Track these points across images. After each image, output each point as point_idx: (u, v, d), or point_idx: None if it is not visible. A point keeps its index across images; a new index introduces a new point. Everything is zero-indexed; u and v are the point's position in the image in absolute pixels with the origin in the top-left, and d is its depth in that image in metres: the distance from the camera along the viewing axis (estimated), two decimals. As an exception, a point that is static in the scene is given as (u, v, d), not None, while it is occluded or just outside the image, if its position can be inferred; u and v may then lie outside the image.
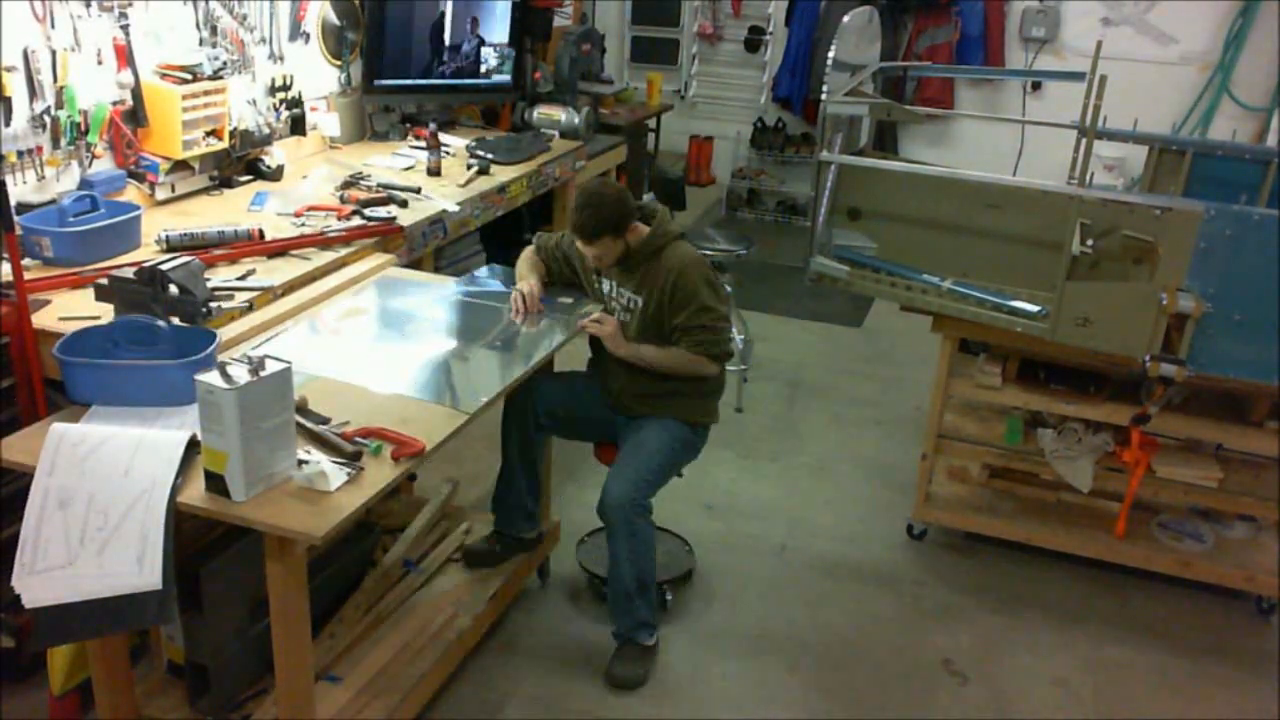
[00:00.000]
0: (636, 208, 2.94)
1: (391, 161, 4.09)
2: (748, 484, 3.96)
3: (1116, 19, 6.16)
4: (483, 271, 3.32)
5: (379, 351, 2.67)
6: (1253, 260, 2.75)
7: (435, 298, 3.02)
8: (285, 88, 3.93)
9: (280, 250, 3.03)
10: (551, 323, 2.92)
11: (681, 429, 2.99)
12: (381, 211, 3.43)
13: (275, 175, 3.73)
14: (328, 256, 3.10)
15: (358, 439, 2.15)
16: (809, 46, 6.67)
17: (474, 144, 4.33)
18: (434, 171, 4.00)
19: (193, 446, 2.03)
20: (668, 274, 2.89)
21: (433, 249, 3.76)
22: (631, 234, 2.92)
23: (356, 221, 3.32)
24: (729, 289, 4.42)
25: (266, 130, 3.80)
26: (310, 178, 3.82)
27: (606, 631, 2.98)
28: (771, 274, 6.03)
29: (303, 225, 3.28)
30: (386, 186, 3.69)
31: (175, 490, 1.96)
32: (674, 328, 2.90)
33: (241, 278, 2.85)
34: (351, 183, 3.72)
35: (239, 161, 3.67)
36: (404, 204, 3.56)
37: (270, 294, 2.83)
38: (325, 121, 4.17)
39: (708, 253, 4.45)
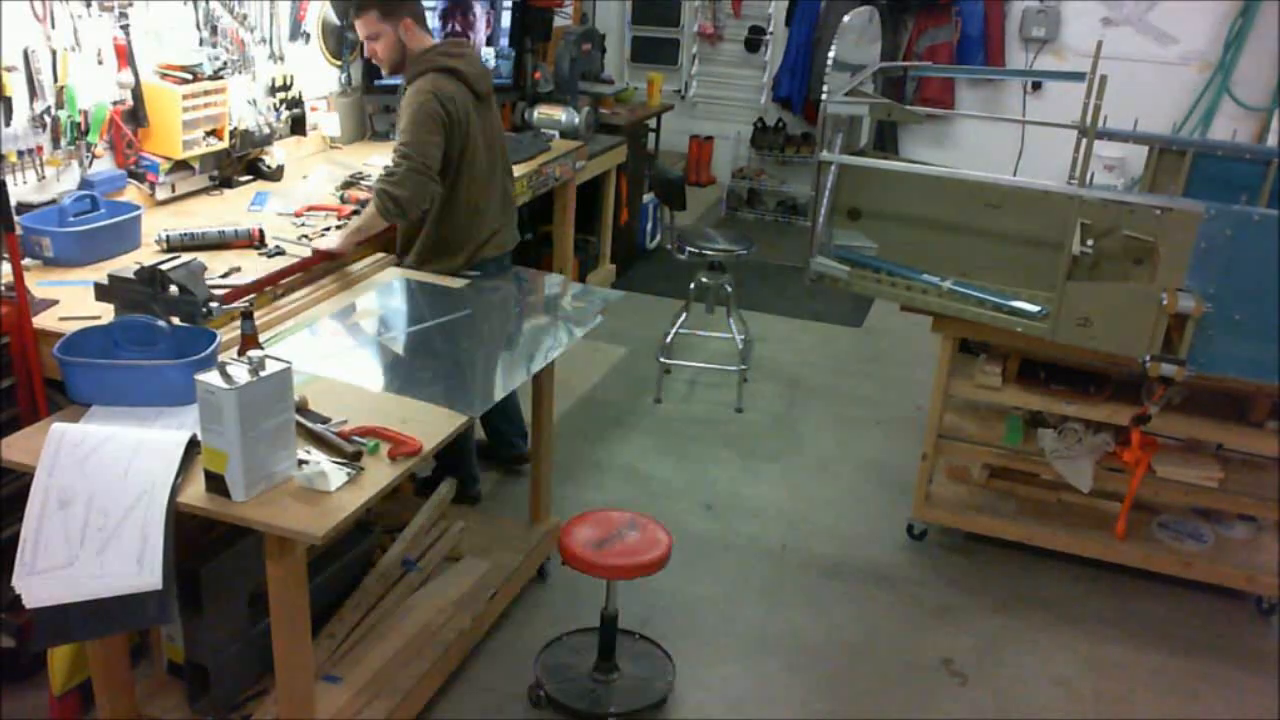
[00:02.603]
0: (420, 9, 3.11)
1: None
2: (748, 484, 3.96)
3: (1116, 19, 6.16)
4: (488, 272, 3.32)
5: (379, 352, 2.67)
6: (1253, 260, 2.75)
7: (436, 298, 3.02)
8: (285, 88, 3.93)
9: (292, 273, 2.98)
10: (554, 323, 2.92)
11: None
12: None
13: (275, 175, 3.74)
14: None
15: (355, 438, 2.15)
16: (809, 46, 6.67)
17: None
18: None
19: (193, 446, 2.03)
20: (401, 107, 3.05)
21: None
22: (411, 37, 3.09)
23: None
24: (728, 310, 4.46)
25: (267, 130, 3.80)
26: (310, 177, 3.82)
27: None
28: (771, 274, 6.03)
29: (303, 225, 3.29)
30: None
31: (175, 490, 1.96)
32: None
33: (225, 275, 2.85)
34: (352, 182, 3.72)
35: (239, 161, 3.67)
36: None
37: (270, 294, 2.83)
38: (325, 121, 4.17)
39: (708, 253, 4.45)
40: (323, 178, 3.82)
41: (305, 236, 3.19)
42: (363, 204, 3.44)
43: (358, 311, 2.86)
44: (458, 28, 4.59)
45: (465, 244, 3.24)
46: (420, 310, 2.94)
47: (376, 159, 4.09)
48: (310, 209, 3.38)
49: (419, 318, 2.90)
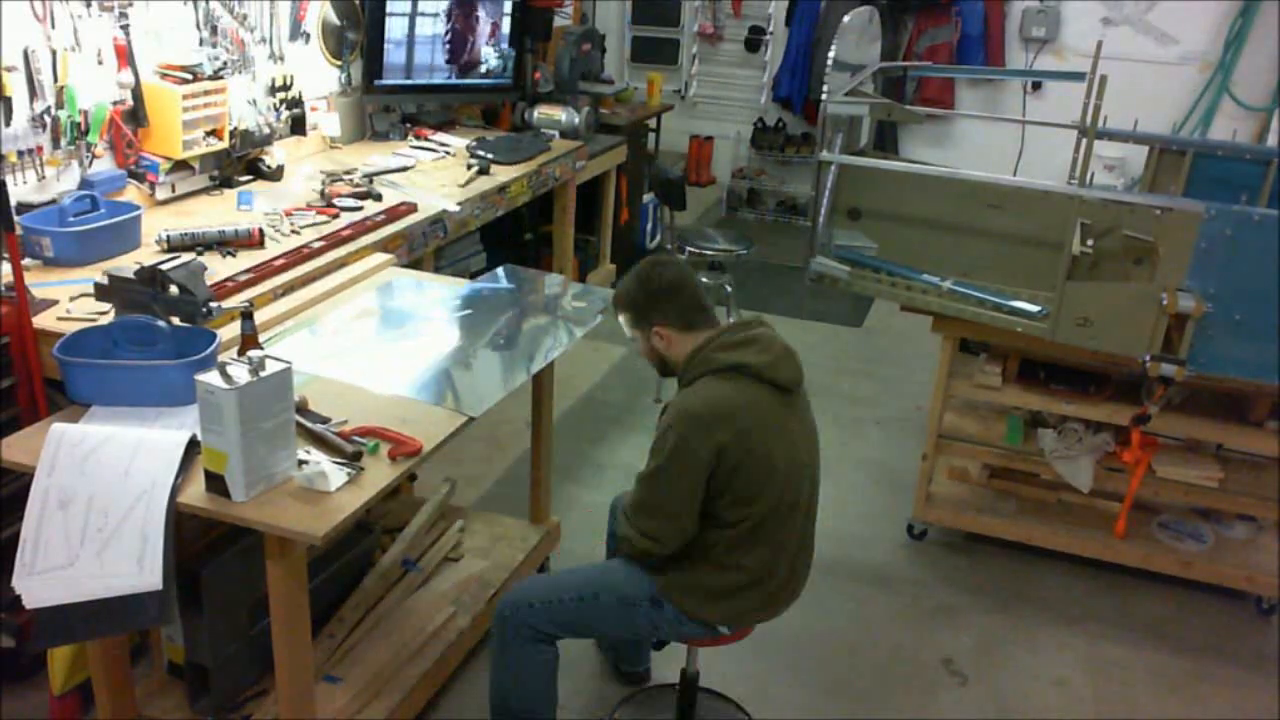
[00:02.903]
0: (687, 309, 2.33)
1: (390, 161, 4.09)
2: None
3: (1116, 19, 6.16)
4: (497, 272, 3.32)
5: (380, 352, 2.67)
6: (1253, 260, 2.75)
7: (436, 298, 3.02)
8: (285, 88, 3.93)
9: (285, 268, 2.99)
10: (554, 322, 2.91)
11: (631, 581, 2.35)
12: (352, 203, 3.48)
13: (275, 175, 3.74)
14: (328, 257, 3.10)
15: (355, 438, 2.15)
16: (809, 46, 6.67)
17: (474, 144, 4.34)
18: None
19: (193, 446, 2.03)
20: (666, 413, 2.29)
21: (433, 249, 3.76)
22: (670, 345, 2.36)
23: (344, 221, 3.35)
24: (728, 310, 4.43)
25: (266, 130, 3.80)
26: (296, 175, 3.82)
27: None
28: (771, 274, 6.03)
29: (290, 223, 3.30)
30: (370, 177, 3.73)
31: (175, 490, 1.95)
32: None
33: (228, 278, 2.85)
34: (336, 178, 3.72)
35: (239, 161, 3.67)
36: (378, 197, 3.57)
37: (270, 294, 2.83)
38: (325, 121, 4.17)
39: (708, 253, 4.45)
40: (306, 176, 3.82)
41: (295, 232, 3.22)
42: (341, 198, 3.47)
43: (358, 311, 2.86)
44: (458, 27, 4.60)
45: (744, 592, 2.37)
46: (420, 310, 2.94)
47: (376, 159, 4.10)
48: (295, 210, 3.40)
49: (419, 318, 2.90)
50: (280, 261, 2.98)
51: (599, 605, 2.37)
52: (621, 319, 2.43)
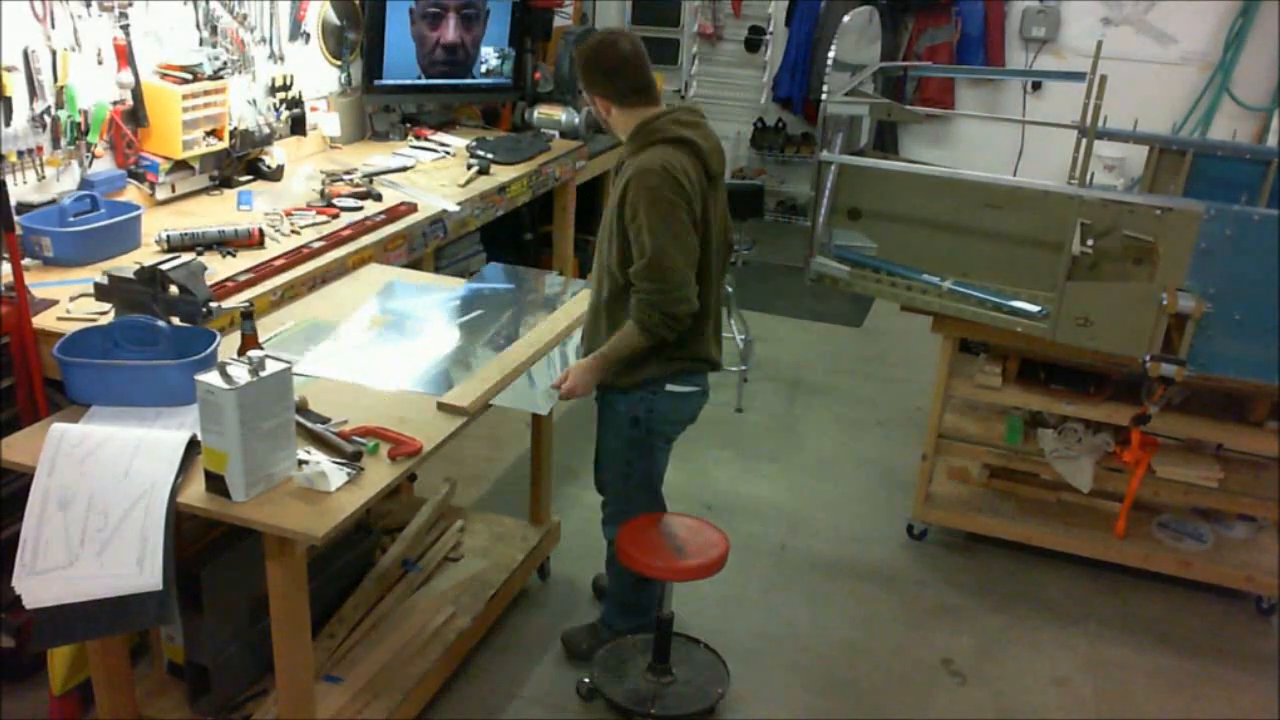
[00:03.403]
0: (619, 84, 2.50)
1: (390, 161, 4.09)
2: (748, 484, 3.96)
3: (1116, 19, 6.16)
4: (487, 270, 3.32)
5: (379, 351, 2.67)
6: (1253, 260, 2.75)
7: (435, 298, 3.02)
8: (285, 88, 3.93)
9: (286, 268, 3.01)
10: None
11: (619, 405, 2.62)
12: (352, 203, 3.47)
13: (275, 175, 3.74)
14: (328, 257, 3.10)
15: (355, 438, 2.15)
16: (809, 46, 6.67)
17: (474, 144, 4.34)
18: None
19: (193, 446, 2.03)
20: (625, 185, 2.45)
21: (433, 249, 3.77)
22: (609, 115, 2.55)
23: (344, 221, 3.36)
24: (728, 311, 4.44)
25: (266, 130, 3.80)
26: (296, 175, 3.82)
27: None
28: (771, 274, 6.03)
29: (290, 223, 3.30)
30: (370, 177, 3.73)
31: (175, 490, 1.96)
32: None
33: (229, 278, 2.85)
34: (336, 178, 3.72)
35: (239, 161, 3.67)
36: (378, 197, 3.58)
37: (270, 295, 2.83)
38: (325, 121, 4.17)
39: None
40: (307, 175, 3.82)
41: (295, 232, 3.21)
42: (341, 198, 3.48)
43: (358, 312, 2.86)
44: (458, 27, 4.60)
45: (684, 347, 2.59)
46: (419, 311, 2.94)
47: (376, 159, 4.10)
48: (294, 210, 3.40)
49: (419, 318, 2.90)
50: (280, 261, 2.98)
51: (628, 463, 2.72)
52: (580, 82, 2.63)
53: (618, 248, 2.49)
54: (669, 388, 2.61)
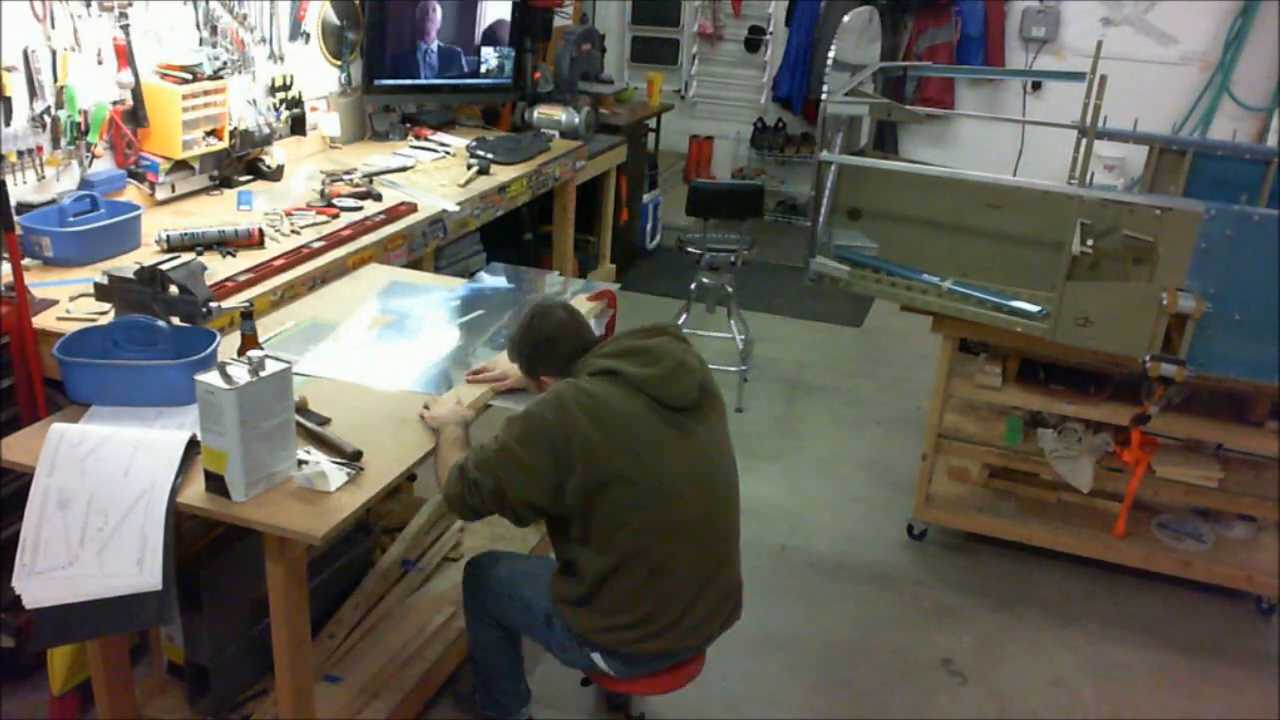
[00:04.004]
0: (567, 356, 2.23)
1: (390, 161, 4.09)
2: (747, 484, 3.91)
3: (1116, 19, 6.16)
4: (487, 270, 3.32)
5: (379, 352, 2.67)
6: (1253, 260, 2.75)
7: (435, 298, 3.02)
8: (285, 88, 3.93)
9: (286, 268, 3.01)
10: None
11: (537, 590, 2.31)
12: (351, 203, 3.47)
13: (275, 175, 3.74)
14: (328, 257, 3.10)
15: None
16: (809, 46, 6.67)
17: (474, 144, 4.34)
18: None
19: (193, 446, 2.03)
20: None
21: (433, 249, 3.76)
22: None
23: (344, 221, 3.36)
24: (729, 311, 4.45)
25: (266, 130, 3.80)
26: (296, 175, 3.82)
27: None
28: (771, 274, 6.03)
29: (290, 223, 3.30)
30: (370, 177, 3.73)
31: (175, 490, 1.96)
32: None
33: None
34: (336, 178, 3.72)
35: (239, 161, 3.67)
36: (378, 197, 3.58)
37: (270, 295, 2.83)
38: (325, 121, 4.17)
39: (708, 253, 4.45)
40: (307, 175, 3.82)
41: (295, 232, 3.21)
42: (341, 198, 3.49)
43: (358, 312, 2.86)
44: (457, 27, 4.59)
45: (635, 626, 2.17)
46: (419, 311, 2.94)
47: (376, 158, 4.10)
48: (296, 209, 3.40)
49: (419, 318, 2.90)
50: (280, 261, 2.98)
51: (513, 603, 2.36)
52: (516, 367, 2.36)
53: None
54: (593, 655, 2.24)
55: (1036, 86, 6.45)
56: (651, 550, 2.11)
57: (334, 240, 3.19)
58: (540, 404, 2.09)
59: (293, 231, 3.23)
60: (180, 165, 3.41)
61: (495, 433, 2.14)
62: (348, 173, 3.82)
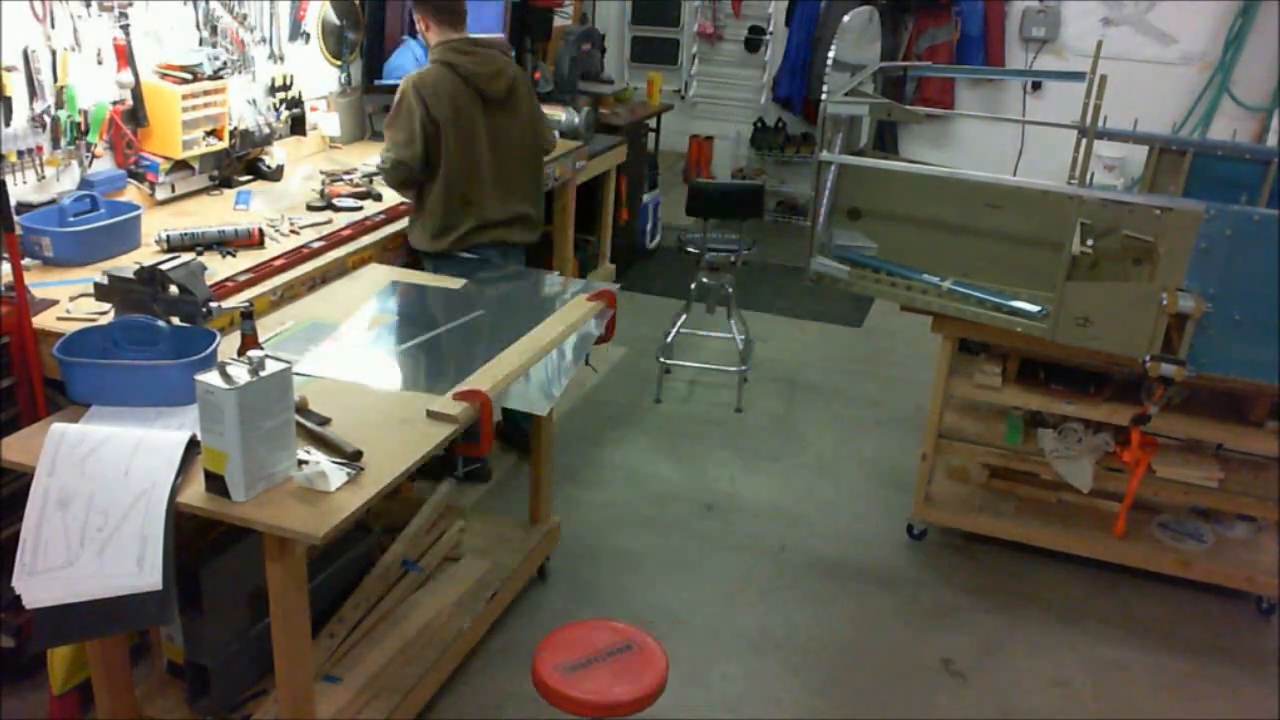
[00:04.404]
0: (439, 9, 3.32)
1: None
2: (748, 484, 3.96)
3: (1116, 19, 6.16)
4: (486, 271, 3.32)
5: (379, 352, 2.67)
6: (1253, 260, 2.75)
7: (435, 298, 3.02)
8: (285, 87, 3.93)
9: (286, 268, 3.01)
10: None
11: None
12: (351, 203, 3.48)
13: (275, 175, 3.74)
14: (328, 257, 3.10)
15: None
16: (809, 47, 6.67)
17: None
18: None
19: (193, 446, 2.03)
20: None
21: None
22: (426, 30, 3.38)
23: (343, 220, 3.37)
24: (729, 311, 4.46)
25: (266, 130, 3.80)
26: (295, 175, 3.82)
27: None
28: (771, 274, 6.03)
29: (291, 222, 3.30)
30: (370, 177, 3.74)
31: (175, 490, 1.96)
32: None
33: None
34: (336, 178, 3.72)
35: (239, 161, 3.67)
36: (378, 197, 3.58)
37: (270, 296, 2.83)
38: (325, 121, 4.17)
39: (709, 254, 4.46)
40: (305, 176, 3.82)
41: (294, 232, 3.21)
42: (345, 196, 3.54)
43: (358, 312, 2.86)
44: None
45: (452, 229, 3.37)
46: (419, 311, 2.94)
47: (375, 158, 4.09)
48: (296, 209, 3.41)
49: (418, 318, 2.90)
50: (280, 261, 2.98)
51: None
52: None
53: None
54: (460, 254, 3.40)
55: (1036, 86, 6.45)
56: (462, 185, 3.34)
57: (334, 240, 3.19)
58: (401, 94, 3.30)
59: (292, 231, 3.22)
60: (180, 165, 3.41)
61: None
62: (348, 173, 3.82)
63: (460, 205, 3.35)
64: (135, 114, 3.23)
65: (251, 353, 1.99)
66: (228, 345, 2.33)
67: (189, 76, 3.32)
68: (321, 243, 3.16)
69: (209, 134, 3.40)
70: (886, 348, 5.23)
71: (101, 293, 2.41)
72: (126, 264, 2.64)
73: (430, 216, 3.34)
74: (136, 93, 3.21)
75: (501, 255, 3.48)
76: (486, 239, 3.42)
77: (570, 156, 4.64)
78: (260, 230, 3.09)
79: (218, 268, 2.88)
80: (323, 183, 3.66)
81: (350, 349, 2.65)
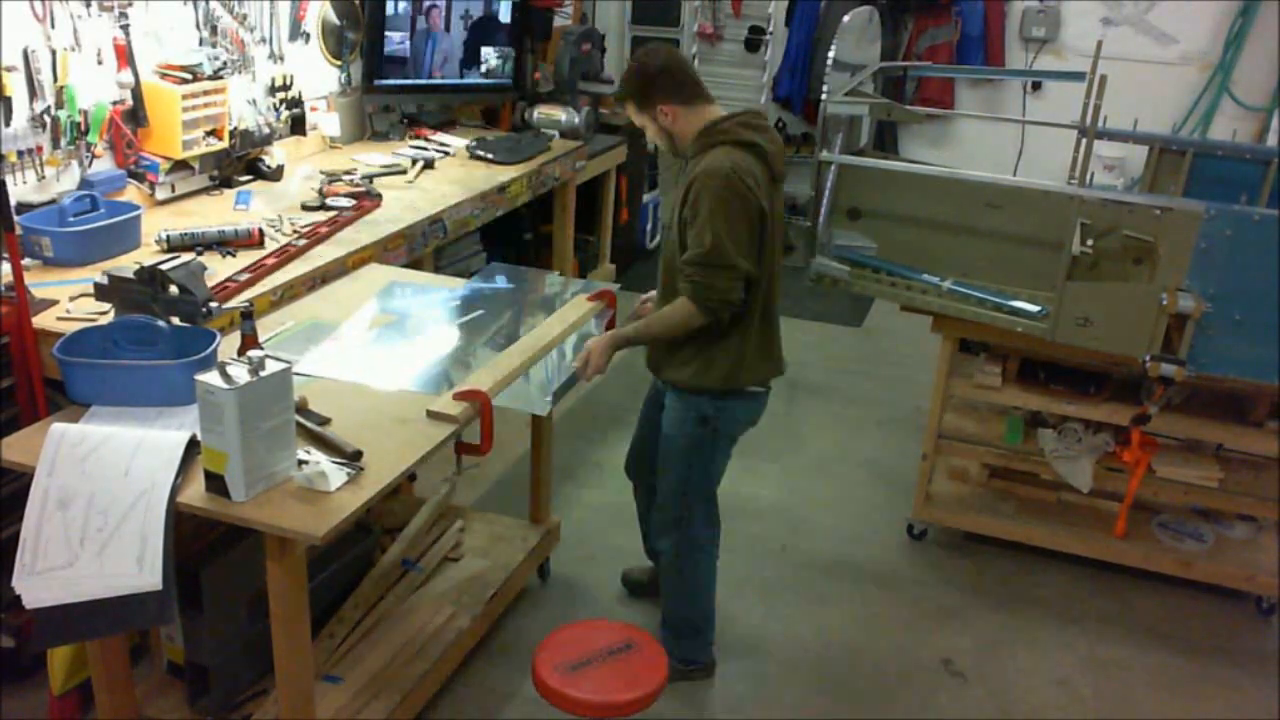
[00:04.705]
0: (684, 85, 2.56)
1: (390, 161, 4.09)
2: (748, 484, 3.96)
3: (1116, 19, 6.16)
4: (487, 270, 3.32)
5: (379, 352, 2.67)
6: (1253, 260, 2.75)
7: (435, 298, 3.02)
8: (285, 87, 3.93)
9: (277, 266, 3.00)
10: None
11: (688, 404, 2.65)
12: (348, 203, 3.48)
13: (275, 175, 3.74)
14: (328, 256, 3.10)
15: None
16: (809, 46, 6.67)
17: (474, 144, 4.34)
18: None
19: (193, 446, 2.03)
20: (690, 184, 2.48)
21: (433, 249, 3.76)
22: (674, 121, 2.57)
23: (323, 216, 3.37)
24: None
25: (266, 130, 3.80)
26: (295, 175, 3.81)
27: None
28: (771, 274, 6.03)
29: (291, 222, 3.30)
30: (370, 177, 3.74)
31: (175, 490, 1.96)
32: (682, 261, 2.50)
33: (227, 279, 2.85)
34: (335, 178, 3.72)
35: (239, 161, 3.67)
36: (377, 197, 3.59)
37: (270, 296, 2.83)
38: (325, 121, 4.17)
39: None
40: (305, 176, 3.82)
41: (297, 231, 3.21)
42: (343, 198, 3.48)
43: (358, 312, 2.86)
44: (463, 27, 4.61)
45: (765, 349, 2.69)
46: (419, 310, 2.94)
47: (375, 157, 4.10)
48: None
49: (419, 318, 2.90)
50: (271, 260, 2.96)
51: (691, 450, 2.71)
52: (628, 109, 2.66)
53: (681, 245, 2.54)
54: (750, 389, 2.69)
55: (1036, 86, 6.44)
56: (769, 294, 2.65)
57: (313, 237, 3.16)
58: (720, 185, 2.44)
59: (293, 231, 3.22)
60: (180, 165, 3.41)
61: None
62: (347, 173, 3.82)
63: (767, 319, 2.68)
64: (135, 114, 3.23)
65: (251, 353, 1.99)
66: (228, 345, 2.34)
67: (189, 76, 3.32)
68: (304, 241, 3.13)
69: (209, 134, 3.40)
70: (886, 348, 5.23)
71: (101, 293, 2.41)
72: (126, 264, 2.64)
73: (739, 342, 2.61)
74: (136, 93, 3.21)
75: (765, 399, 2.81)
76: (780, 357, 2.78)
77: (570, 156, 4.65)
78: (260, 230, 3.09)
79: (218, 268, 2.88)
80: (322, 183, 3.66)
81: (350, 349, 2.65)
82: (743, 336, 2.60)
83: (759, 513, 3.77)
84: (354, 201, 3.51)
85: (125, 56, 3.17)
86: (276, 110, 3.90)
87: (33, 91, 2.93)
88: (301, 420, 2.18)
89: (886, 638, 3.17)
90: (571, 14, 5.84)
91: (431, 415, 2.30)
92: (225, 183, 3.61)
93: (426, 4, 4.43)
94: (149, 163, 3.31)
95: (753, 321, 2.61)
